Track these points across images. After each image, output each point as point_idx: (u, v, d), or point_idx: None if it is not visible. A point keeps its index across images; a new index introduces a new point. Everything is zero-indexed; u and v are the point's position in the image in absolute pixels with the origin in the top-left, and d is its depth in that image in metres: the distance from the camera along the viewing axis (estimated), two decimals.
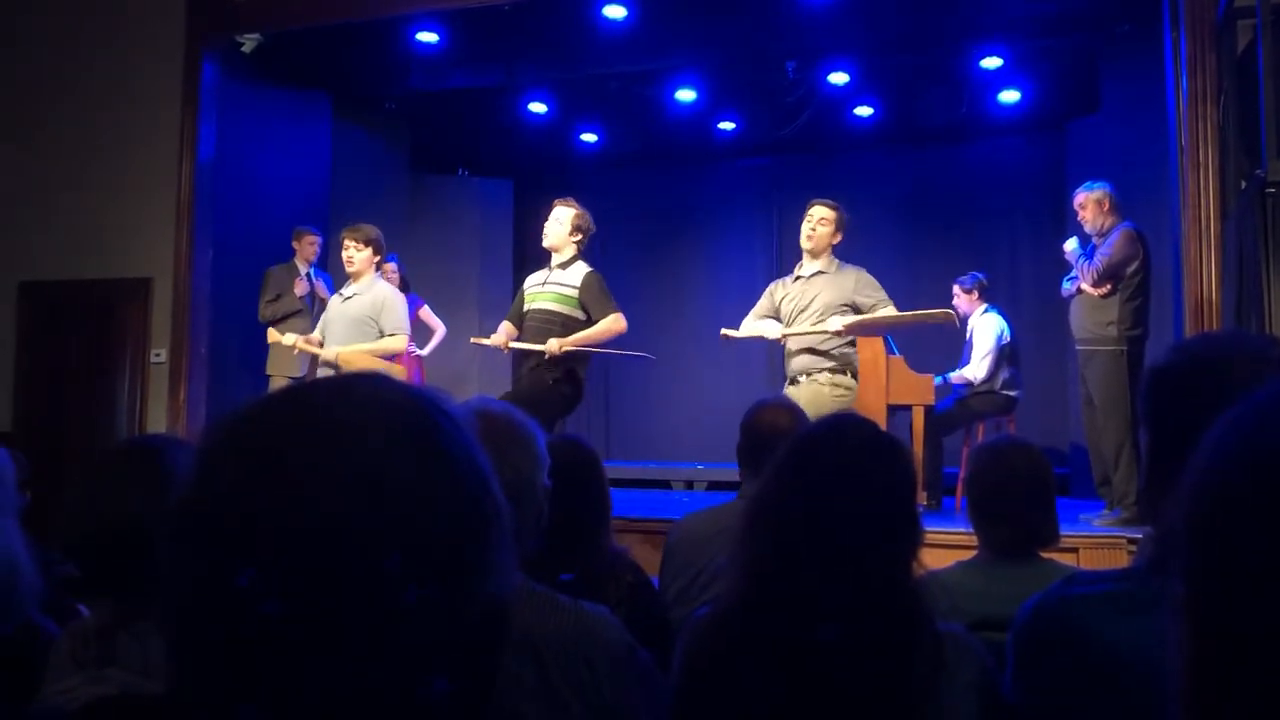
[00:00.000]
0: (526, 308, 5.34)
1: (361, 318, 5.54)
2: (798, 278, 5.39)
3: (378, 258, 5.65)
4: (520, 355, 5.41)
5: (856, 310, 5.26)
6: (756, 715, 1.43)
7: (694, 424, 9.15)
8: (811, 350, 5.23)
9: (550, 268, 5.35)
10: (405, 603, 0.63)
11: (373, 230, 5.64)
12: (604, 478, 2.33)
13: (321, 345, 5.61)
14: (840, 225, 5.33)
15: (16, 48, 6.83)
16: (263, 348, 6.69)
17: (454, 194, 9.59)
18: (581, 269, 5.30)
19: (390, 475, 0.64)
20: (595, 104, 8.94)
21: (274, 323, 6.63)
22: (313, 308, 6.68)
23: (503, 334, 5.36)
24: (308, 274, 6.74)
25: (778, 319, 5.43)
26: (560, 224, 5.32)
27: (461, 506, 0.67)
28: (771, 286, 5.54)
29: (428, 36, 7.27)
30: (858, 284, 5.29)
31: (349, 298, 5.61)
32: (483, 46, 7.51)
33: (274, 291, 6.65)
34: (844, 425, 1.60)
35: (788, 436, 1.64)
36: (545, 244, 5.35)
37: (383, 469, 0.64)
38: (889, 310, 5.25)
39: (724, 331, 5.64)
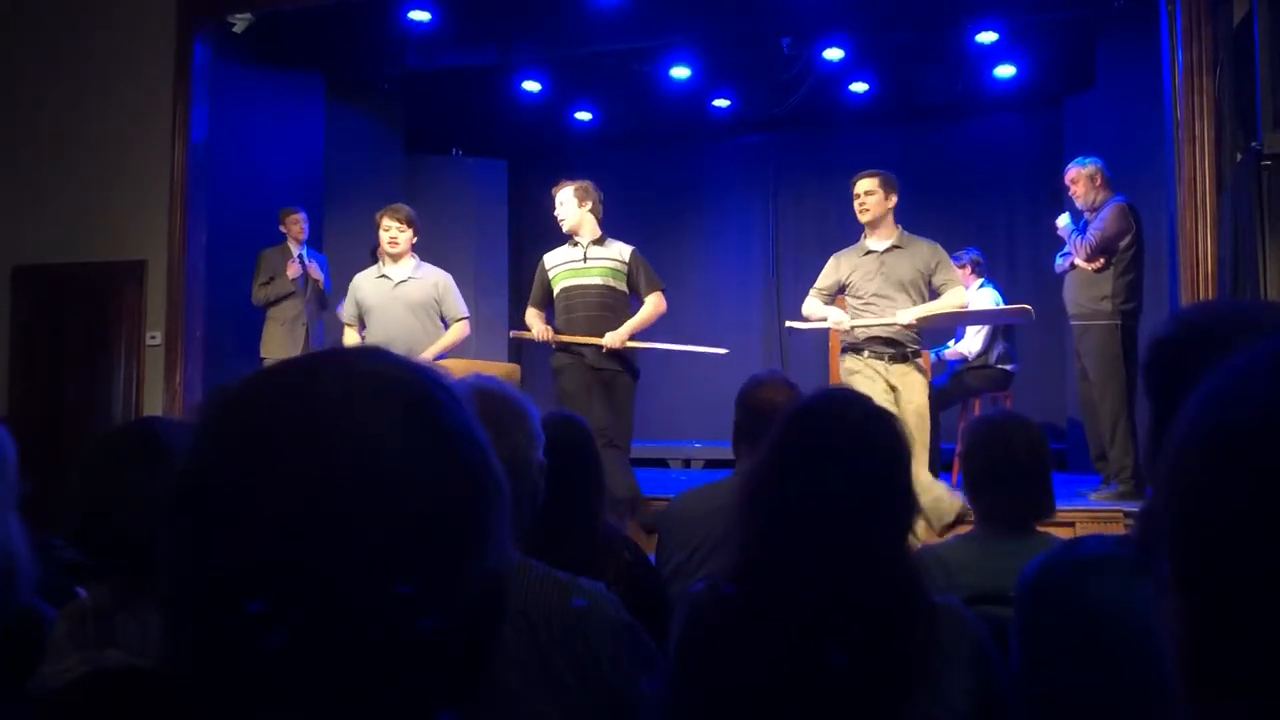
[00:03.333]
0: (561, 286, 5.27)
1: (426, 303, 5.40)
2: (869, 252, 5.10)
3: (415, 238, 5.48)
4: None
5: (931, 285, 5.03)
6: (754, 688, 1.43)
7: (691, 402, 9.16)
8: (884, 339, 4.96)
9: (581, 244, 5.28)
10: (403, 578, 0.62)
11: (410, 210, 5.50)
12: (599, 455, 2.32)
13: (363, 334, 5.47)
14: (889, 188, 5.09)
15: (7, 31, 6.78)
16: (259, 329, 6.69)
17: (448, 174, 9.56)
18: (624, 245, 5.30)
19: (388, 450, 0.64)
20: (589, 82, 8.90)
21: (268, 305, 6.63)
22: (305, 290, 6.66)
23: (539, 323, 5.26)
24: (300, 255, 6.72)
25: (842, 292, 5.18)
26: (566, 205, 5.27)
27: (460, 481, 0.66)
28: (836, 258, 5.25)
29: (420, 15, 7.22)
30: (934, 258, 5.03)
31: (402, 281, 5.41)
32: (476, 25, 7.48)
33: (267, 274, 6.65)
34: (837, 400, 1.60)
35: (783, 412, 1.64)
36: (566, 229, 5.29)
37: (381, 444, 0.64)
38: (958, 291, 5.03)
39: (790, 324, 5.48)
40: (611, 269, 5.23)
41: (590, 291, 5.20)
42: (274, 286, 6.61)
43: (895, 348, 4.94)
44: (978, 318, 5.53)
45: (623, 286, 5.25)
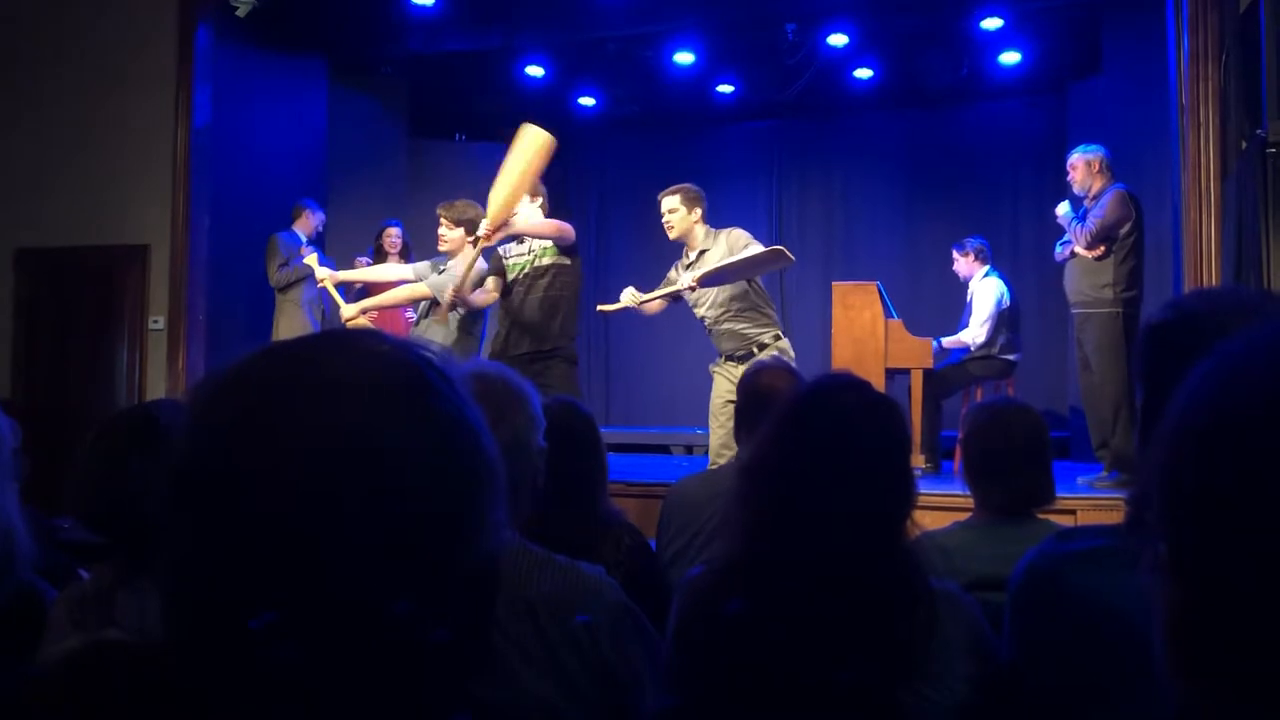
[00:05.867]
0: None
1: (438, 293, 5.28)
2: (689, 265, 5.17)
3: (471, 238, 5.24)
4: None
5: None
6: (751, 673, 1.43)
7: (693, 389, 9.14)
8: (734, 333, 5.07)
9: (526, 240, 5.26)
10: (394, 562, 0.63)
11: (469, 208, 5.29)
12: (600, 439, 2.33)
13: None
14: (691, 202, 5.13)
15: (10, 16, 6.76)
16: (262, 313, 6.70)
17: (452, 159, 9.54)
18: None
19: (379, 435, 0.64)
20: (593, 67, 8.87)
21: (285, 288, 6.66)
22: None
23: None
24: (308, 243, 6.74)
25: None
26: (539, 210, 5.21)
27: (452, 465, 0.66)
28: (672, 270, 5.34)
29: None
30: (730, 245, 5.07)
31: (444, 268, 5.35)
32: (479, 9, 7.44)
33: (282, 257, 6.69)
34: (836, 386, 1.60)
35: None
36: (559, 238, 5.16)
37: (372, 425, 0.64)
38: (753, 246, 5.05)
39: (600, 307, 5.52)
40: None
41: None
42: (291, 270, 6.63)
43: (735, 346, 5.04)
44: (737, 266, 5.27)
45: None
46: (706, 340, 5.31)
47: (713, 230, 5.20)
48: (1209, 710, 0.52)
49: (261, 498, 0.61)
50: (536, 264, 5.16)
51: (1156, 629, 0.55)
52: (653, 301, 5.24)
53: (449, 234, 5.29)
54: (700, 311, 5.18)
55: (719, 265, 4.95)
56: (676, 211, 5.13)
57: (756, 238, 5.41)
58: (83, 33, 6.63)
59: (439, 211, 5.36)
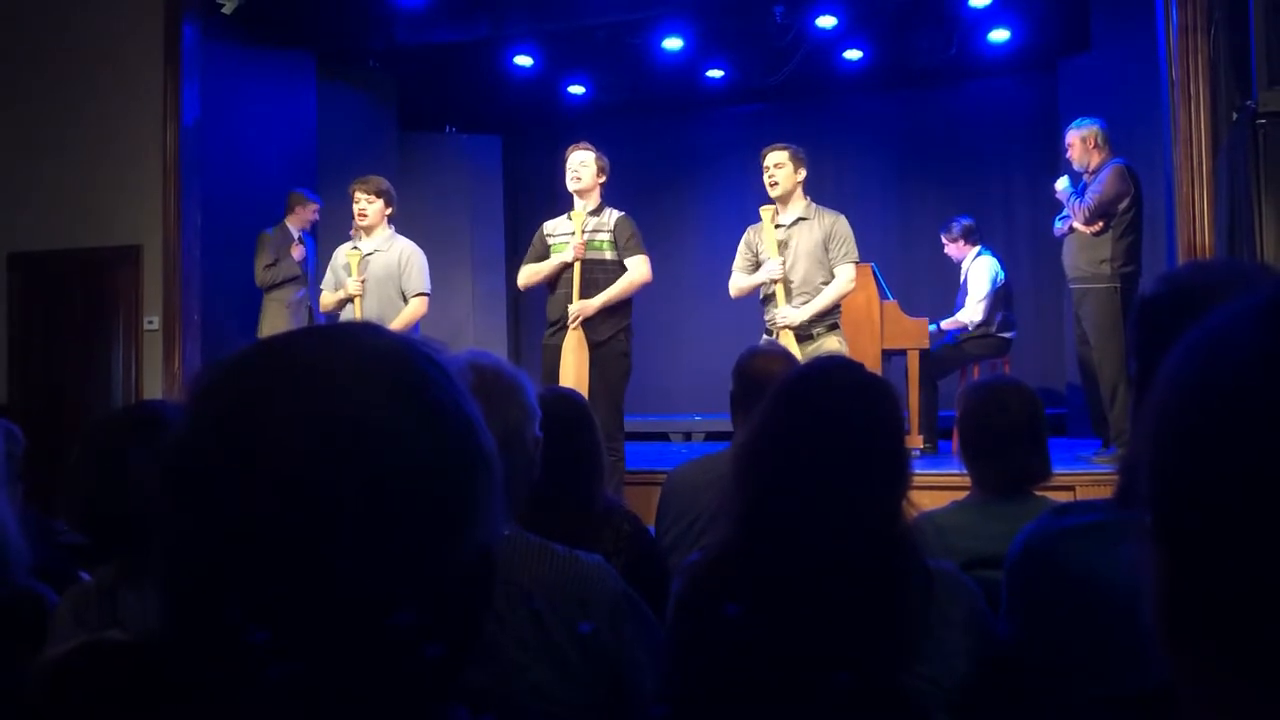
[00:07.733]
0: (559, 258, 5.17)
1: (389, 277, 5.32)
2: (777, 226, 5.11)
3: (389, 210, 5.45)
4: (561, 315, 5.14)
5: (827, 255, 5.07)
6: (749, 657, 1.44)
7: (690, 375, 9.16)
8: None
9: (580, 214, 5.16)
10: (390, 551, 0.63)
11: (383, 181, 5.47)
12: (596, 429, 2.33)
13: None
14: (798, 161, 5.09)
15: None
16: (257, 310, 6.68)
17: (442, 151, 9.52)
18: (614, 212, 5.21)
19: (376, 424, 0.64)
20: (582, 55, 8.84)
21: (272, 287, 6.63)
22: (312, 272, 6.68)
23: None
24: (299, 237, 6.72)
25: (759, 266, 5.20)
26: (588, 166, 5.18)
27: (449, 456, 0.67)
28: (747, 235, 5.28)
29: None
30: (833, 230, 5.03)
31: (369, 254, 5.37)
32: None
33: (271, 256, 6.63)
34: (831, 368, 1.60)
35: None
36: (575, 188, 5.18)
37: (368, 417, 0.64)
38: (845, 270, 5.02)
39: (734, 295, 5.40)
40: (606, 241, 5.15)
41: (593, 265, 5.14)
42: (279, 269, 6.60)
43: (800, 328, 4.98)
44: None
45: (615, 256, 5.15)
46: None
47: (814, 204, 5.14)
48: (1201, 683, 0.52)
49: (255, 489, 0.61)
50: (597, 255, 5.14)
51: (1146, 600, 0.55)
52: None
53: (370, 207, 5.38)
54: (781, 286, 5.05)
55: (817, 307, 4.96)
56: (784, 167, 5.06)
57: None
58: (68, 34, 6.60)
59: (355, 189, 5.44)
